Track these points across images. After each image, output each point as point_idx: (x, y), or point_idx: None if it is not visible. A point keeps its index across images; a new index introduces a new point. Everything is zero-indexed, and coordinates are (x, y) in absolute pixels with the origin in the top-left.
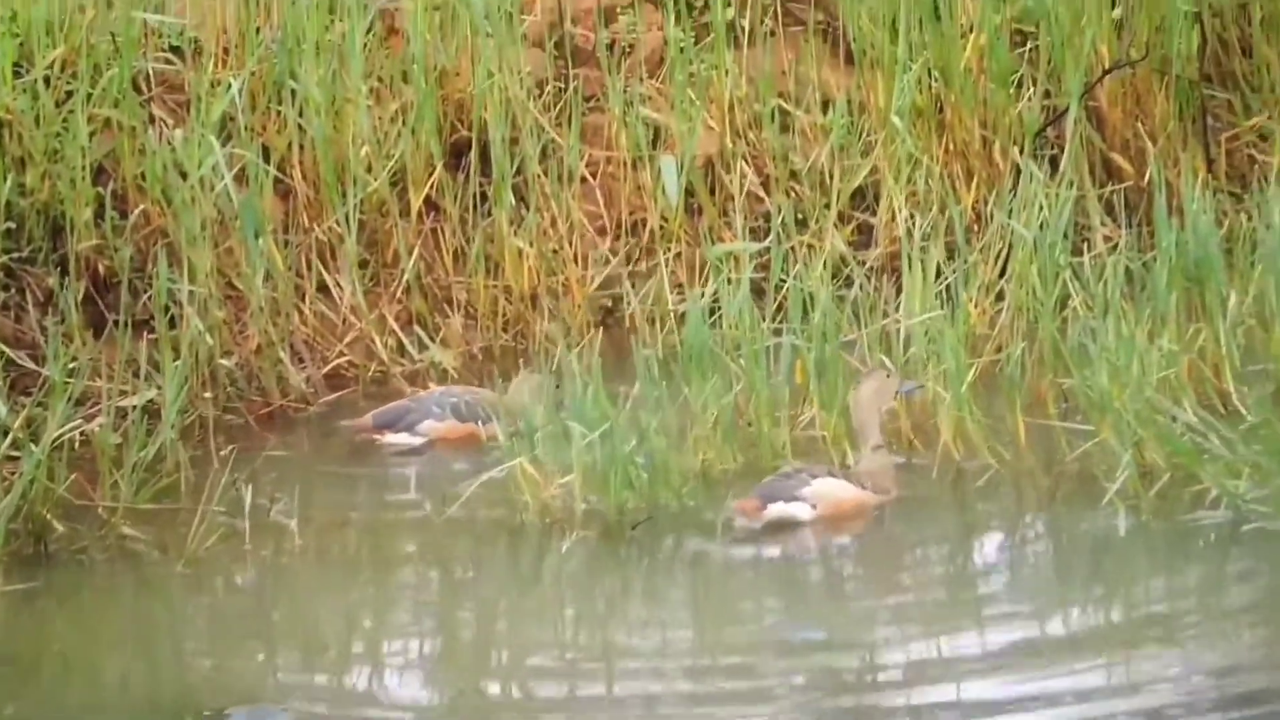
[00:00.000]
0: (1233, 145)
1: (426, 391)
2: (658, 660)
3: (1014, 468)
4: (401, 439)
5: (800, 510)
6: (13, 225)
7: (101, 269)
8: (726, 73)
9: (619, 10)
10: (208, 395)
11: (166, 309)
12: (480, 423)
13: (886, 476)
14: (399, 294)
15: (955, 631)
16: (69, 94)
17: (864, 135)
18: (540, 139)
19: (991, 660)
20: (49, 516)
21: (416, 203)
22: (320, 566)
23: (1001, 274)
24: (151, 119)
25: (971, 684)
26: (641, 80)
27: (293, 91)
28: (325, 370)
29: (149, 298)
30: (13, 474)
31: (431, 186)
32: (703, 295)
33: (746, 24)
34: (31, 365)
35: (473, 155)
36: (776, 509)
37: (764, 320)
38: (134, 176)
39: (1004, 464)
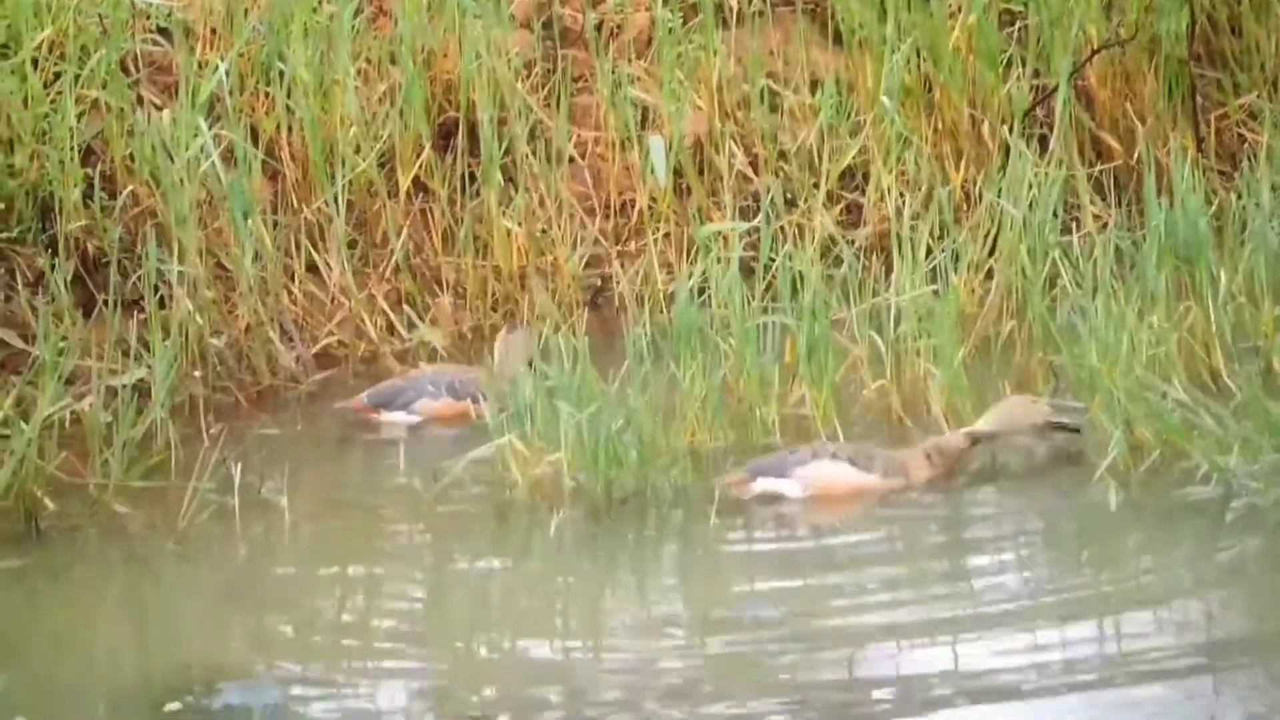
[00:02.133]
0: (1222, 124)
1: (418, 370)
2: (633, 636)
3: (1004, 445)
4: (398, 417)
5: (789, 488)
6: (2, 206)
7: (91, 249)
8: (715, 53)
9: None
10: (197, 374)
11: (156, 289)
12: (473, 401)
13: (915, 466)
14: (388, 274)
15: (940, 606)
16: (57, 75)
17: (852, 115)
18: (528, 120)
19: (978, 634)
20: (40, 494)
21: (405, 183)
22: (310, 543)
23: (990, 253)
24: (140, 100)
25: (959, 653)
26: (630, 61)
27: (280, 73)
28: (315, 349)
29: (138, 278)
30: (3, 452)
31: (420, 167)
32: (691, 275)
33: (735, 5)
34: (21, 345)
35: (461, 136)
36: (763, 484)
37: (753, 299)
38: (123, 157)
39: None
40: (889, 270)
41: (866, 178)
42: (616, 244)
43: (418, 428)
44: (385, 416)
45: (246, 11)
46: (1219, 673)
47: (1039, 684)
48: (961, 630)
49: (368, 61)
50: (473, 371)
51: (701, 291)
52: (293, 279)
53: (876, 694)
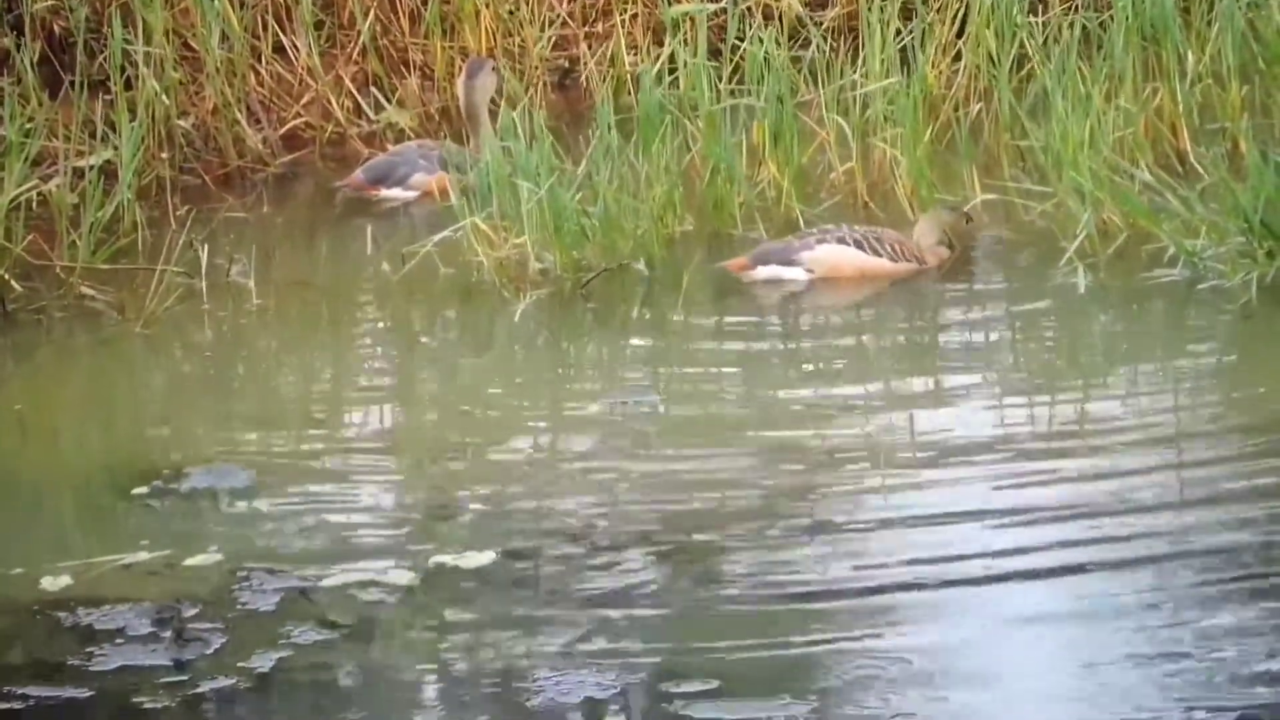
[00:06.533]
0: None
1: (404, 145)
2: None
3: (971, 228)
4: (395, 193)
5: (794, 274)
6: None
7: (57, 29)
8: None
9: None
10: (164, 156)
11: (122, 70)
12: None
13: (929, 249)
14: (355, 55)
15: (905, 383)
16: None
17: None
18: None
19: (944, 408)
20: (7, 276)
21: None
22: (278, 326)
23: (959, 35)
24: None
25: (919, 426)
26: None
27: None
28: (282, 131)
29: (105, 58)
30: None
31: None
32: (659, 57)
33: None
34: None
35: None
36: (767, 271)
37: (721, 82)
38: None
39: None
40: (857, 52)
41: None
42: (584, 25)
43: (413, 202)
44: (383, 192)
45: None
46: (1185, 446)
47: (1004, 454)
48: (927, 405)
49: None
50: (449, 145)
51: (669, 73)
52: (260, 60)
53: (841, 462)
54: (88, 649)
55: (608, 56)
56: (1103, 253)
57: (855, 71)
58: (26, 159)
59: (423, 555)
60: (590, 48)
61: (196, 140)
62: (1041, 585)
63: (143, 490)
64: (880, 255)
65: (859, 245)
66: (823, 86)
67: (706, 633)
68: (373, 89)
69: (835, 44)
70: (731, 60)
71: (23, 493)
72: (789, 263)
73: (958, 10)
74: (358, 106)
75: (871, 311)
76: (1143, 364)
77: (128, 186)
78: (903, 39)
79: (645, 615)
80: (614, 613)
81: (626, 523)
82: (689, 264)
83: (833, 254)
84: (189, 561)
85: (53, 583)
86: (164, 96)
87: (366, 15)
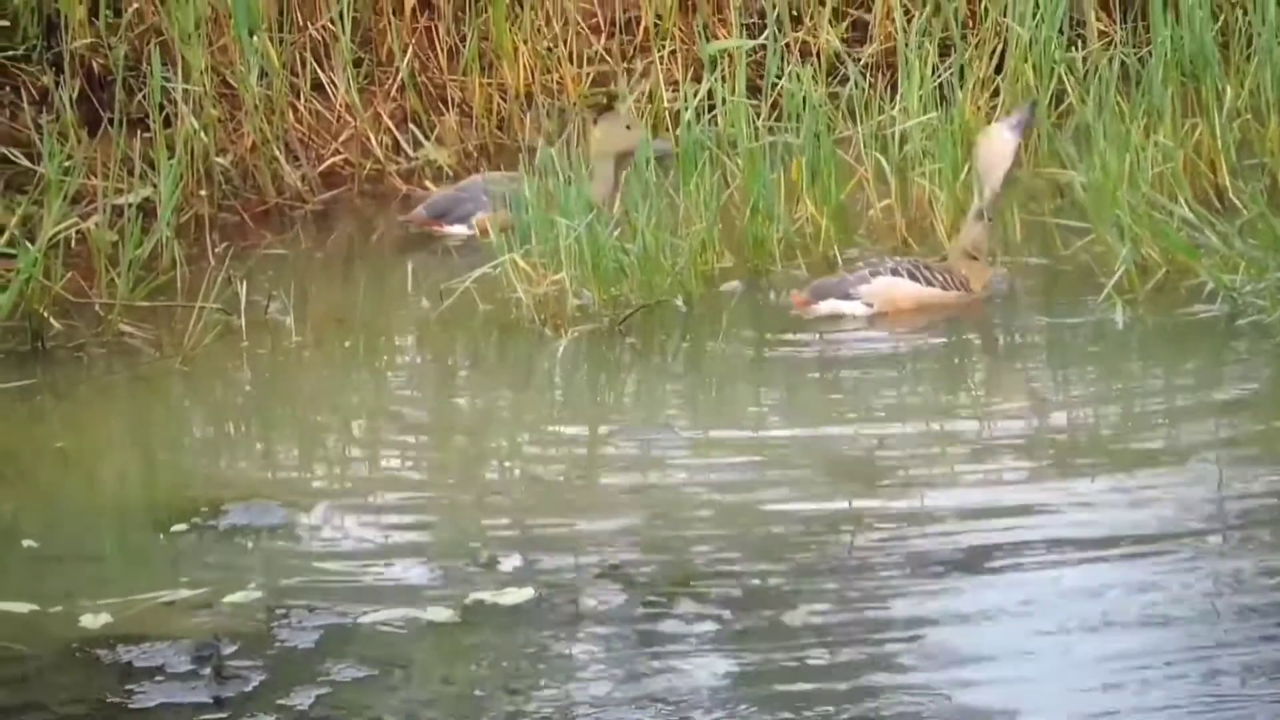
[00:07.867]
0: None
1: (469, 179)
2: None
3: (1010, 264)
4: (457, 230)
5: (855, 308)
6: (6, 23)
7: (96, 67)
8: None
9: None
10: (203, 193)
11: (161, 107)
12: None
13: (976, 273)
14: (393, 92)
15: (942, 416)
16: None
17: None
18: None
19: (981, 445)
20: (46, 314)
21: (410, 0)
22: (317, 363)
23: (997, 70)
24: None
25: (956, 466)
26: None
27: None
28: (320, 168)
29: (143, 96)
30: (9, 272)
31: None
32: (697, 93)
33: None
34: (27, 163)
35: None
36: (828, 305)
37: (759, 118)
38: None
39: (1000, 260)
40: (895, 89)
41: None
42: (623, 62)
43: (475, 237)
44: (446, 229)
45: None
46: (1225, 483)
47: (1041, 494)
48: (967, 442)
49: None
50: (518, 175)
51: (708, 110)
52: (298, 97)
53: (885, 500)
54: (127, 686)
55: (646, 93)
56: (1141, 288)
57: (893, 107)
58: (65, 197)
59: (462, 592)
60: (628, 84)
61: (235, 177)
62: (1095, 638)
63: (182, 527)
64: (933, 285)
65: (912, 276)
66: (861, 123)
67: (750, 669)
68: (411, 126)
69: (873, 80)
70: (770, 96)
71: (62, 529)
72: (847, 296)
73: (996, 46)
74: (396, 143)
75: (910, 346)
76: (1182, 400)
77: (166, 224)
78: (941, 75)
79: (686, 652)
80: (655, 649)
81: (667, 560)
82: (728, 301)
83: (889, 286)
84: (228, 598)
85: (92, 620)
86: (203, 134)
87: (405, 52)
